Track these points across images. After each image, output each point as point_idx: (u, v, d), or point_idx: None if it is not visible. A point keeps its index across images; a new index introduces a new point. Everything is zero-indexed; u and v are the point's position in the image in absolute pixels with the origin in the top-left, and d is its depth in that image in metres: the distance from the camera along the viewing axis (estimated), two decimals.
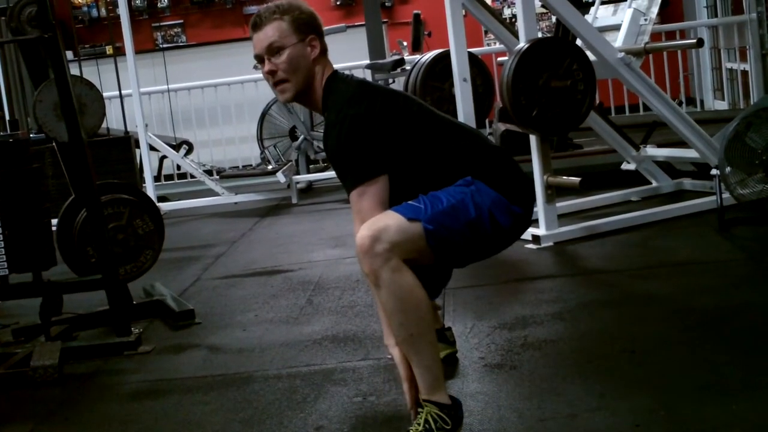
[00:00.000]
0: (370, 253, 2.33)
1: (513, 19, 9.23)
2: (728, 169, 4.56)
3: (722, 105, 8.46)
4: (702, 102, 8.74)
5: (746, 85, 7.88)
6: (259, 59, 2.65)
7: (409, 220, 2.39)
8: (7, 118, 4.51)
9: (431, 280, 2.67)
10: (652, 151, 5.63)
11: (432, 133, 2.59)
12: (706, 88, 8.86)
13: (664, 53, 8.21)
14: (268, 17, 2.62)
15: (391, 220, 2.38)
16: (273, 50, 2.60)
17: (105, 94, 4.37)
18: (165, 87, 7.60)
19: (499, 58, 6.11)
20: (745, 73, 7.90)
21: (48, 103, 3.96)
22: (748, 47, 7.70)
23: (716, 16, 8.60)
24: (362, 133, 2.48)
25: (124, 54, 6.90)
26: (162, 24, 10.01)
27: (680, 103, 8.00)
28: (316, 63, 2.63)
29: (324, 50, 2.66)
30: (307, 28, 2.62)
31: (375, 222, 2.37)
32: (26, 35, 3.96)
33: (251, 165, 8.23)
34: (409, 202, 2.47)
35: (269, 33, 2.60)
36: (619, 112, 8.03)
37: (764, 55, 7.20)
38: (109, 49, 8.81)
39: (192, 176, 7.76)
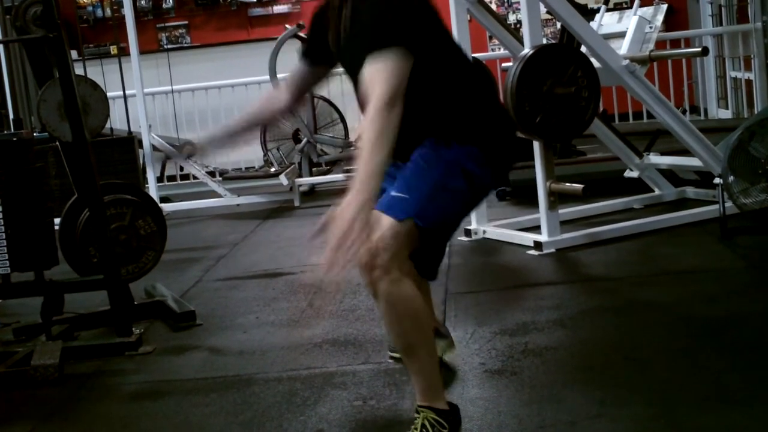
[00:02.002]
0: (369, 267, 2.30)
1: (518, 25, 9.22)
2: (731, 178, 4.56)
3: (726, 114, 8.45)
4: (706, 111, 8.72)
5: (750, 94, 7.87)
6: None
7: (400, 222, 2.34)
8: (11, 116, 4.51)
9: (427, 259, 2.63)
10: (655, 159, 5.62)
11: (447, 53, 2.56)
12: (711, 96, 8.84)
13: (669, 61, 8.22)
14: None
15: (385, 228, 2.31)
16: None
17: (109, 94, 4.37)
18: (169, 88, 7.60)
19: (504, 64, 6.10)
20: (749, 82, 7.89)
21: (52, 102, 3.97)
22: (752, 56, 7.71)
23: (721, 24, 8.59)
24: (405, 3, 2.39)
25: (128, 54, 6.90)
26: (167, 25, 10.01)
27: (684, 112, 8.00)
28: None
29: None
30: None
31: (371, 232, 2.25)
32: (31, 34, 3.97)
33: (254, 167, 8.24)
34: (393, 194, 2.39)
35: None
36: (623, 119, 8.02)
37: None
38: (113, 49, 8.79)
39: (195, 177, 7.76)
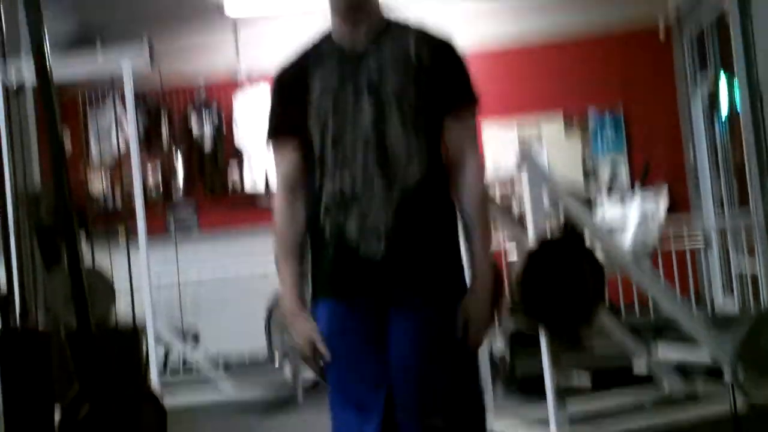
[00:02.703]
0: None
1: (521, 218, 9.36)
2: (742, 373, 4.50)
3: (732, 306, 8.43)
4: (712, 301, 8.70)
5: (756, 286, 7.85)
6: None
7: None
8: (18, 303, 4.51)
9: None
10: (663, 354, 5.55)
11: None
12: (716, 287, 8.84)
13: (673, 252, 8.25)
14: None
15: None
16: None
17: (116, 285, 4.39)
18: (176, 280, 7.58)
19: (510, 259, 6.12)
20: (754, 277, 7.88)
21: (59, 290, 3.98)
22: (756, 252, 7.71)
23: (722, 208, 8.67)
24: None
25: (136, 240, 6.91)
26: (175, 213, 10.10)
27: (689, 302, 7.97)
28: None
29: None
30: None
31: None
32: (43, 223, 4.03)
33: (258, 357, 8.17)
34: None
35: None
36: (629, 310, 7.92)
37: None
38: (121, 231, 8.84)
39: (197, 369, 7.65)
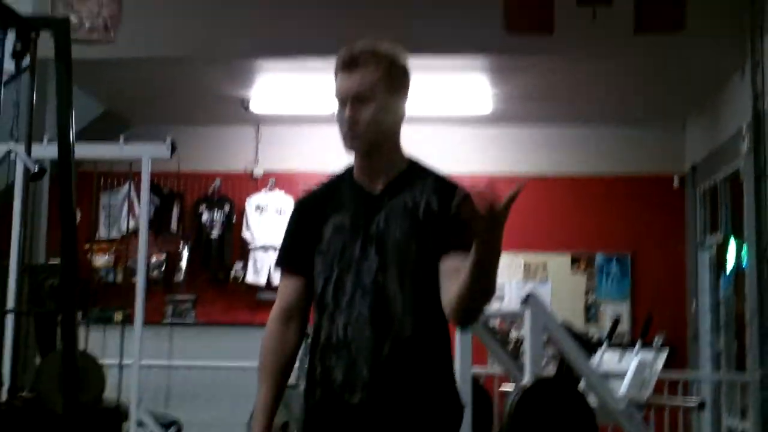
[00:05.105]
0: None
1: (518, 343, 9.34)
2: None
3: None
4: None
5: None
6: (342, 101, 2.45)
7: None
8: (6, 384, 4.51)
9: None
10: None
11: None
12: None
13: (666, 408, 8.19)
14: (364, 59, 2.43)
15: None
16: (358, 99, 2.42)
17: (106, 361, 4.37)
18: (166, 362, 7.54)
19: (502, 387, 6.09)
20: None
21: (51, 373, 3.98)
22: (749, 407, 7.69)
23: (719, 367, 8.67)
24: None
25: (132, 323, 6.91)
26: (175, 298, 10.10)
27: None
28: (399, 122, 2.51)
29: (405, 110, 2.52)
30: (402, 80, 2.49)
31: None
32: (44, 306, 4.04)
33: None
34: None
35: (360, 79, 2.41)
36: None
37: (763, 416, 7.16)
38: (117, 316, 8.84)
39: None
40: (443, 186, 2.48)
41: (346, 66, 2.43)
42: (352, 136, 2.44)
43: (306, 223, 2.55)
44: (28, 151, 3.87)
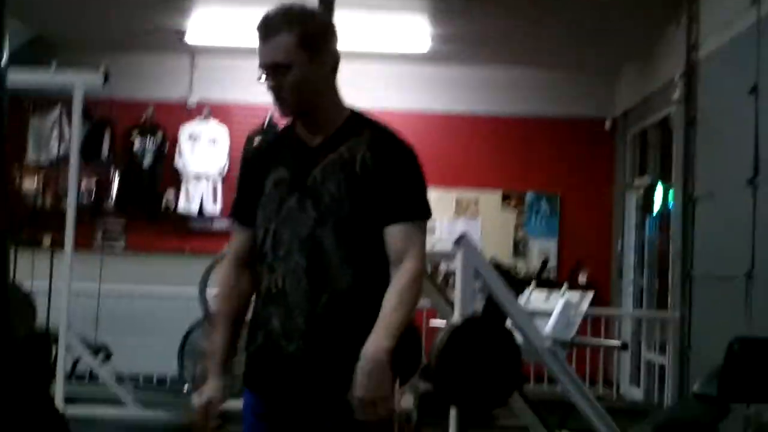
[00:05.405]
0: None
1: (447, 277, 9.50)
2: None
3: (638, 393, 8.66)
4: (618, 386, 8.91)
5: (662, 377, 8.08)
6: (264, 71, 2.46)
7: None
8: None
9: None
10: None
11: None
12: (624, 374, 9.07)
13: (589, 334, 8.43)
14: (276, 27, 2.43)
15: None
16: (277, 68, 2.43)
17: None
18: (95, 293, 7.48)
19: (432, 321, 6.20)
20: (662, 366, 8.12)
21: None
22: (668, 343, 7.96)
23: (641, 305, 8.95)
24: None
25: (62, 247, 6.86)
26: (104, 224, 9.98)
27: (594, 385, 8.13)
28: (326, 80, 2.51)
29: (336, 64, 2.51)
30: (318, 42, 2.46)
31: None
32: None
33: (166, 379, 8.16)
34: None
35: (275, 48, 2.42)
36: (538, 381, 7.95)
37: (682, 353, 7.42)
38: (46, 241, 8.75)
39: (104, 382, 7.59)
40: (379, 140, 2.50)
41: (262, 35, 2.45)
42: (280, 103, 2.48)
43: (251, 177, 2.60)
44: None
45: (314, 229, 2.44)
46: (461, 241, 4.58)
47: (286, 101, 2.48)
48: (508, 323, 5.04)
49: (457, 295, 4.78)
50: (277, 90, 2.46)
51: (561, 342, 5.00)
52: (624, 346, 5.22)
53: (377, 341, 2.33)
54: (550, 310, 5.37)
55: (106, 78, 6.54)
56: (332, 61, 2.51)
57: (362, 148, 2.47)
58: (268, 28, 2.44)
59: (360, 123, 2.54)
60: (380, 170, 2.45)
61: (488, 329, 4.68)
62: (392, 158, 2.48)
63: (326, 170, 2.47)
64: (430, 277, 5.61)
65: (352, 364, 2.35)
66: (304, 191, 2.47)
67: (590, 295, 5.29)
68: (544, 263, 6.44)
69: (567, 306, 5.27)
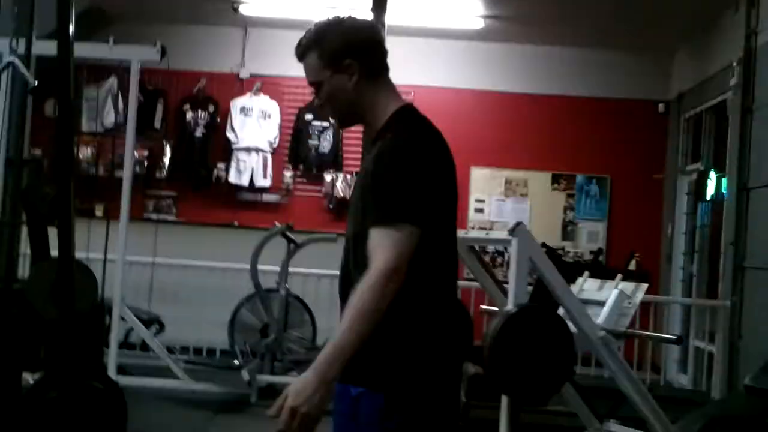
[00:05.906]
0: None
1: (495, 259, 9.49)
2: None
3: (684, 379, 8.61)
4: (665, 373, 8.87)
5: (710, 366, 8.03)
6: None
7: None
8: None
9: None
10: (614, 428, 5.66)
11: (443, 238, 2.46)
12: (671, 359, 9.02)
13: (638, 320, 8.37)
14: (303, 50, 2.51)
15: None
16: (314, 86, 2.53)
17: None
18: (150, 259, 7.58)
19: (482, 307, 6.20)
20: (711, 354, 8.07)
21: (44, 281, 4.02)
22: (717, 332, 7.89)
23: (690, 293, 8.88)
24: (418, 170, 2.34)
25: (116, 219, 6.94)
26: (156, 194, 10.07)
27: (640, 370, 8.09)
28: (358, 89, 2.48)
29: (370, 70, 2.49)
30: (340, 54, 2.46)
31: None
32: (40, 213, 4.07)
33: (216, 351, 8.25)
34: None
35: (306, 69, 2.52)
36: (585, 364, 7.91)
37: (731, 342, 7.37)
38: (99, 211, 8.83)
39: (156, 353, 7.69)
40: (382, 146, 2.42)
41: (298, 58, 2.54)
42: (330, 117, 2.61)
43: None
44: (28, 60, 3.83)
45: (348, 242, 2.48)
46: (517, 229, 4.56)
47: (333, 116, 2.62)
48: (560, 311, 5.04)
49: (511, 283, 4.76)
50: (320, 106, 2.57)
51: (614, 333, 4.98)
52: (678, 340, 5.18)
53: (309, 370, 2.25)
54: (603, 299, 5.34)
55: (163, 53, 6.61)
56: (361, 69, 2.47)
57: (371, 158, 2.45)
58: (298, 50, 2.53)
59: (387, 127, 2.48)
60: (369, 177, 2.40)
61: (543, 318, 4.67)
62: (377, 164, 2.39)
63: (356, 181, 2.56)
64: (483, 263, 5.60)
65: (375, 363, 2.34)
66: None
67: (644, 286, 5.25)
68: (597, 253, 6.38)
69: (620, 297, 5.24)
